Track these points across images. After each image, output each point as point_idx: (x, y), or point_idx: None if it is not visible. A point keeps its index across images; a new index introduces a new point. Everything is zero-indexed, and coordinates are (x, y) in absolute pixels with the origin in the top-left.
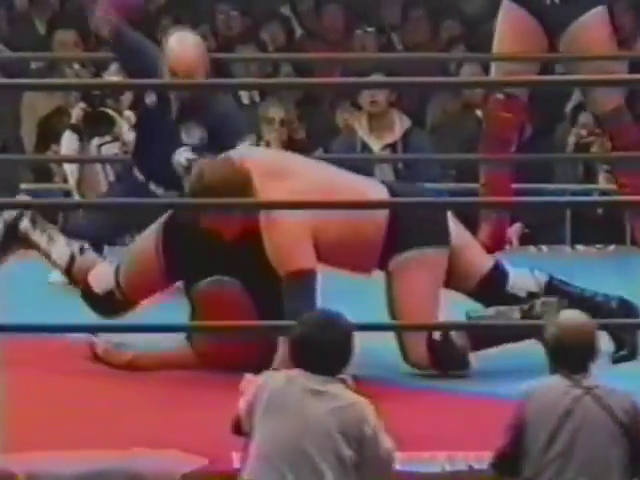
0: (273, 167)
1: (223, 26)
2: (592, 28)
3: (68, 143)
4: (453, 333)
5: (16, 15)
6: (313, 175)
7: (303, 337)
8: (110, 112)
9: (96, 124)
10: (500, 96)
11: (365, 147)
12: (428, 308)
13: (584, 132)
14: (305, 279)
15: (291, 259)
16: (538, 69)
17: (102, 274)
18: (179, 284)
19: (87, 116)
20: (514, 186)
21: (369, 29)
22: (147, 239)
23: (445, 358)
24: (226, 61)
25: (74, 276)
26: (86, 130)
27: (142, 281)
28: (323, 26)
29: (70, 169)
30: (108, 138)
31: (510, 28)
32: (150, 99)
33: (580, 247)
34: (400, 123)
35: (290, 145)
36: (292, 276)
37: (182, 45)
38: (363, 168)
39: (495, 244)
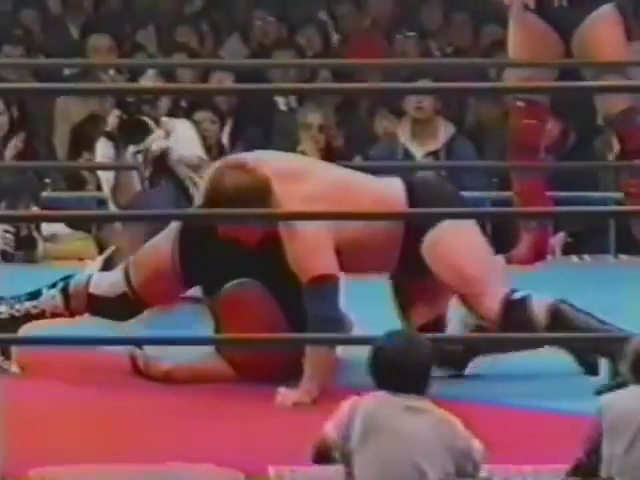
0: (289, 170)
1: (259, 32)
2: (599, 28)
3: (103, 150)
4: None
5: (50, 19)
6: (329, 177)
7: (386, 359)
8: (146, 119)
9: (131, 131)
10: (521, 103)
11: (407, 153)
12: (483, 258)
13: None
14: (327, 285)
15: (312, 266)
16: (556, 74)
17: (108, 279)
18: (197, 291)
19: (122, 123)
20: (558, 194)
21: (410, 34)
22: (162, 242)
23: (515, 320)
24: (263, 67)
25: (75, 306)
26: (121, 137)
27: (158, 285)
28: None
29: (105, 177)
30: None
31: (524, 34)
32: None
33: (624, 257)
34: (444, 130)
35: (328, 152)
36: (314, 283)
37: None
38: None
39: (537, 254)
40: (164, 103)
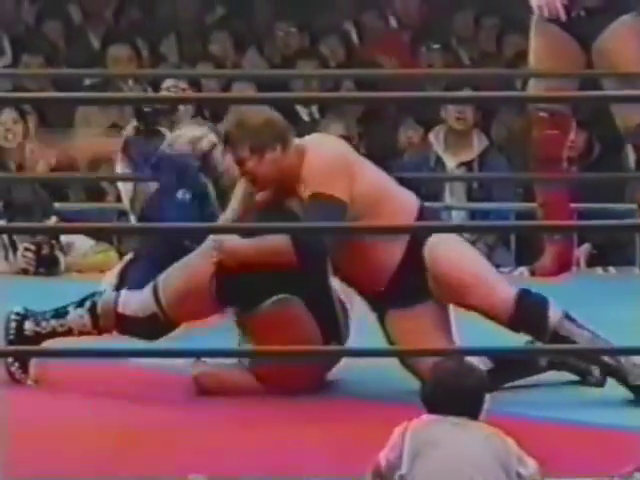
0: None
1: (281, 43)
2: (619, 38)
3: (122, 162)
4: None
5: (71, 30)
6: (371, 181)
7: (439, 384)
8: (162, 130)
9: (148, 142)
10: (544, 114)
11: (438, 163)
12: (483, 262)
13: None
14: (336, 206)
15: (327, 185)
16: (577, 84)
17: (137, 299)
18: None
19: (139, 134)
20: (582, 206)
21: (435, 46)
22: (197, 261)
23: (528, 322)
24: (285, 78)
25: (104, 325)
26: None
27: (190, 305)
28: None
29: (124, 188)
30: None
31: (545, 44)
32: (183, 195)
33: None
34: (478, 142)
35: None
36: (323, 198)
37: None
38: (434, 185)
39: (561, 266)
40: (187, 113)
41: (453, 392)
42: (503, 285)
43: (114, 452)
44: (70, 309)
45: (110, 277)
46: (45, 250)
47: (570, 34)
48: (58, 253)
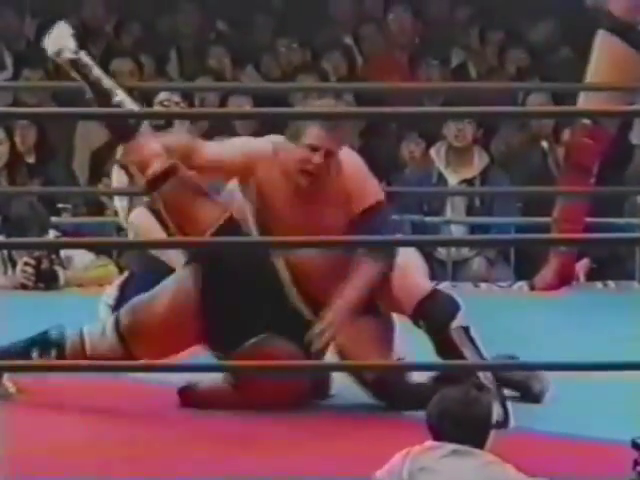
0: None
1: (283, 59)
2: None
3: (117, 177)
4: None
5: None
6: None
7: (446, 412)
8: None
9: None
10: (587, 122)
11: (441, 179)
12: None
13: None
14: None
15: (373, 193)
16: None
17: (102, 340)
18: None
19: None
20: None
21: (433, 62)
22: (176, 289)
23: (433, 313)
24: (285, 92)
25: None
26: None
27: (158, 340)
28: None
29: (120, 203)
30: None
31: (607, 58)
32: None
33: None
34: (479, 159)
35: None
36: (379, 207)
37: None
38: (435, 201)
39: (562, 279)
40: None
41: (459, 421)
42: (423, 276)
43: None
44: (34, 355)
45: (110, 291)
46: (44, 265)
47: (633, 47)
48: (57, 267)
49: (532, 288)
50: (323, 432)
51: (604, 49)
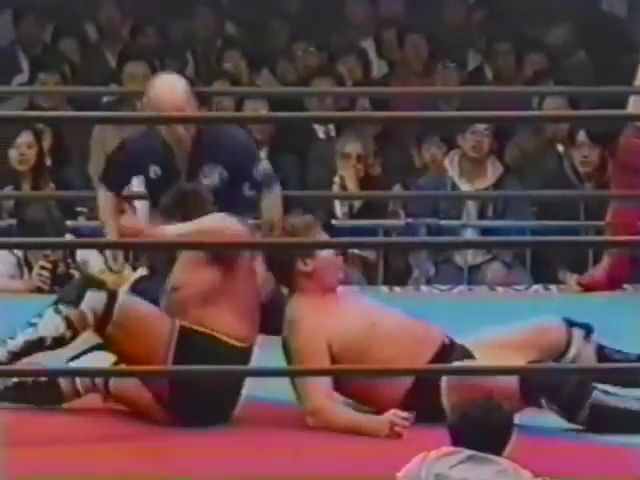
0: None
1: (301, 63)
2: None
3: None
4: None
5: (88, 47)
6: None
7: (467, 418)
8: None
9: None
10: (638, 124)
11: (454, 189)
12: None
13: None
14: None
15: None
16: None
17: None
18: None
19: None
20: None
21: (450, 64)
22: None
23: None
24: (300, 95)
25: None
26: None
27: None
28: (406, 58)
29: (139, 205)
30: None
31: None
32: (154, 172)
33: None
34: (493, 169)
35: (366, 181)
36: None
37: (168, 87)
38: (450, 209)
39: (611, 281)
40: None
41: (479, 427)
42: None
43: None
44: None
45: (126, 288)
46: (60, 268)
47: None
48: (73, 271)
49: (580, 286)
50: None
51: None
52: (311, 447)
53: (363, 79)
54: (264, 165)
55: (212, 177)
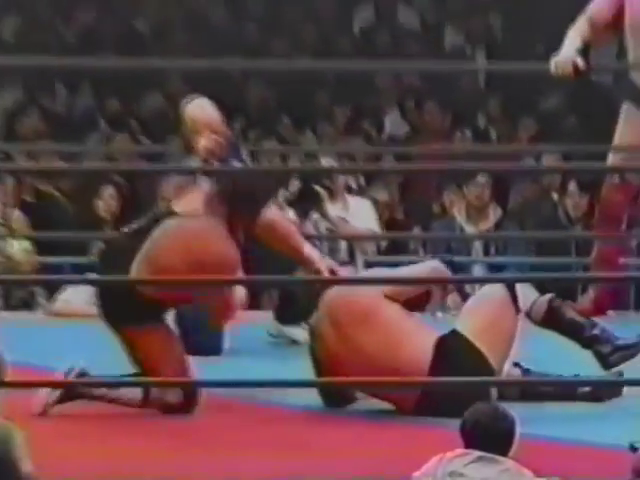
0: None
1: (338, 123)
2: None
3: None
4: None
5: (155, 111)
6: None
7: (478, 424)
8: (319, 190)
9: (306, 200)
10: (616, 181)
11: (462, 230)
12: None
13: None
14: None
15: None
16: None
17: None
18: None
19: (301, 192)
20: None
21: (467, 132)
22: None
23: None
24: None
25: None
26: (298, 204)
27: None
28: (424, 122)
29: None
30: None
31: (631, 130)
32: None
33: None
34: (493, 213)
35: (391, 223)
36: None
37: (200, 107)
38: (460, 248)
39: (597, 308)
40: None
41: (488, 432)
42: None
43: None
44: None
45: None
46: None
47: None
48: None
49: None
50: (355, 434)
51: (630, 119)
52: (326, 448)
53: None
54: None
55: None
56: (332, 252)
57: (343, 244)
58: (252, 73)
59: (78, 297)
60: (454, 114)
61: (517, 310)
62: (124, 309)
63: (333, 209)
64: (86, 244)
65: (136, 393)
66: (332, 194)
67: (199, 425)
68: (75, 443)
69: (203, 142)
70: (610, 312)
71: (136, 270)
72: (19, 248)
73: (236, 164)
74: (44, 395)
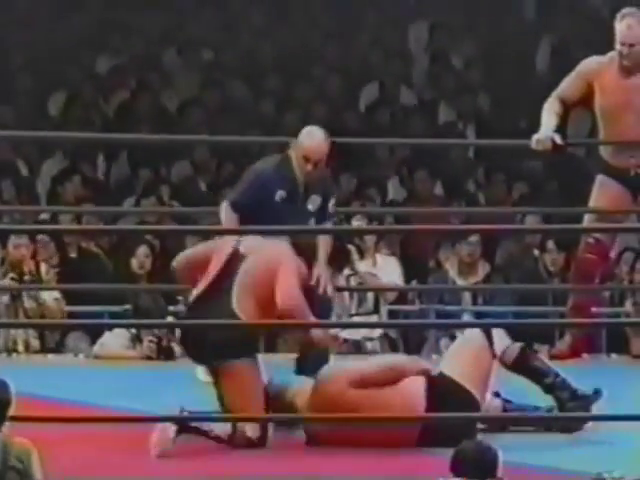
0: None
1: (344, 189)
2: None
3: None
4: None
5: (184, 179)
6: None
7: (467, 458)
8: (350, 248)
9: (338, 257)
10: (591, 240)
11: (454, 283)
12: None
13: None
14: None
15: None
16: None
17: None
18: None
19: (334, 250)
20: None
21: (460, 202)
22: None
23: None
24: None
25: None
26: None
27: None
28: (416, 190)
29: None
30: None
31: (604, 196)
32: (280, 195)
33: (614, 356)
34: (482, 268)
35: None
36: None
37: (313, 137)
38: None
39: (573, 352)
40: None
41: (477, 464)
42: None
43: None
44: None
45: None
46: (164, 342)
47: (625, 187)
48: (173, 344)
49: (551, 357)
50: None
51: (602, 189)
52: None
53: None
54: (333, 203)
55: (314, 204)
56: (360, 302)
57: (370, 295)
58: (268, 146)
59: (115, 341)
60: (447, 182)
61: (493, 354)
62: (221, 345)
63: (364, 265)
64: (122, 295)
65: (226, 428)
66: (362, 252)
67: None
68: None
69: None
70: (585, 355)
71: (237, 302)
72: (50, 296)
73: None
74: (167, 431)
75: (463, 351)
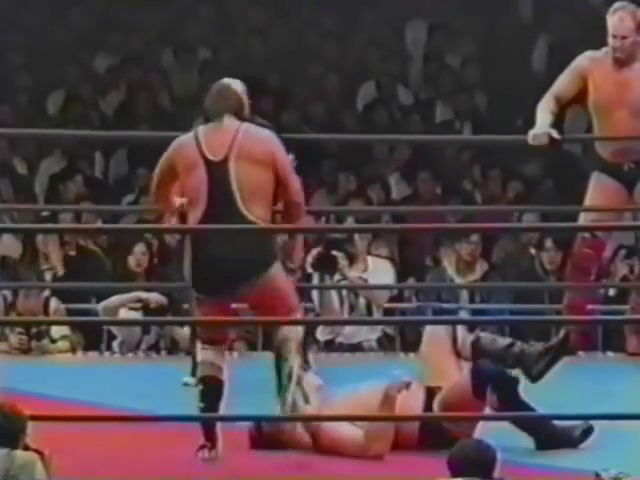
0: None
1: (343, 188)
2: None
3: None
4: None
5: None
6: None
7: (466, 457)
8: (338, 255)
9: (325, 264)
10: (587, 236)
11: (452, 281)
12: None
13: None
14: None
15: None
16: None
17: None
18: None
19: (319, 257)
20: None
21: (456, 199)
22: None
23: None
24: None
25: None
26: (317, 268)
27: None
28: (418, 191)
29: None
30: (338, 276)
31: (599, 193)
32: None
33: (610, 353)
34: (480, 267)
35: None
36: None
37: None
38: (450, 297)
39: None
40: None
41: (476, 463)
42: None
43: None
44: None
45: None
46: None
47: (619, 182)
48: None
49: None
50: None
51: (597, 185)
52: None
53: (385, 201)
54: None
55: None
56: (352, 308)
57: (362, 301)
58: None
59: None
60: (444, 181)
61: (456, 352)
62: (252, 260)
63: (354, 270)
64: (120, 292)
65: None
66: (352, 258)
67: None
68: None
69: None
70: (580, 353)
71: (245, 209)
72: (58, 332)
73: None
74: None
75: (430, 352)
